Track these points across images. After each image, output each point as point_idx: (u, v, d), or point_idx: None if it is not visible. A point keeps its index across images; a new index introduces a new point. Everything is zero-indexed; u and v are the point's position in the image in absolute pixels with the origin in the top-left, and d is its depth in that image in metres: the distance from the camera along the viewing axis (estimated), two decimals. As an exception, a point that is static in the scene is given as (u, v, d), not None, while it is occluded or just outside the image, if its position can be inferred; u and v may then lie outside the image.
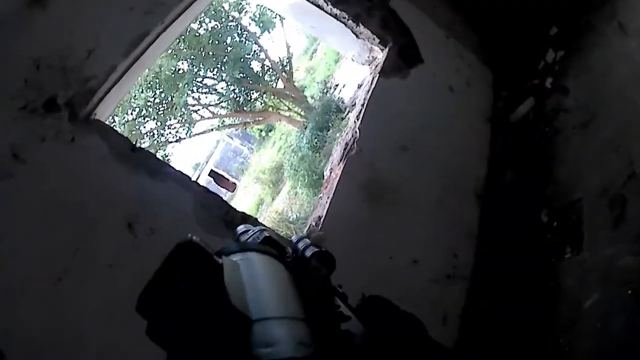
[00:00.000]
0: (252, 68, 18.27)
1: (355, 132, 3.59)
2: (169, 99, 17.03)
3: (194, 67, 17.46)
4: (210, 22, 16.73)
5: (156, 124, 17.76)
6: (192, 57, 16.86)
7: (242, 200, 26.95)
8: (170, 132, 18.64)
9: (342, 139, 3.87)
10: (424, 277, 3.30)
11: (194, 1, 3.46)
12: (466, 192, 3.80)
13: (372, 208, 3.39)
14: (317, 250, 1.28)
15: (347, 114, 12.88)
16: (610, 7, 3.50)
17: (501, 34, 4.56)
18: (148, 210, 2.80)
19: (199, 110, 19.15)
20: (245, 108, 18.92)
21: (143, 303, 0.91)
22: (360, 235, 3.22)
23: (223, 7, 16.74)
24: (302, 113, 18.08)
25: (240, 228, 1.52)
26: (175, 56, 16.35)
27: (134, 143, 2.99)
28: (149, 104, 16.95)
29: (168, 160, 19.23)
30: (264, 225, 3.21)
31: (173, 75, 16.42)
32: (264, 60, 18.56)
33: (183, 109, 17.74)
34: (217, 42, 16.90)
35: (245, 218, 3.03)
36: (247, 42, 17.75)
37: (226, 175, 31.73)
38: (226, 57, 17.29)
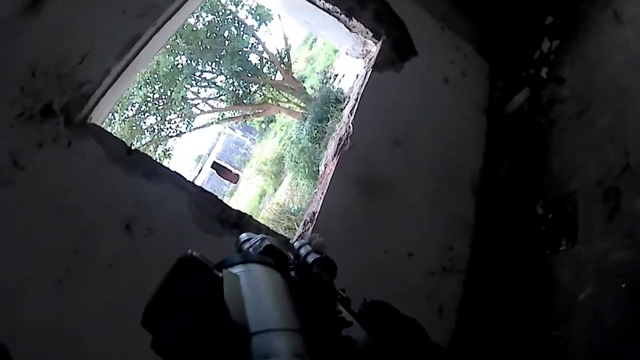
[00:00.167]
0: (250, 61, 18.26)
1: (349, 127, 3.60)
2: (168, 93, 17.04)
3: (192, 61, 17.45)
4: (207, 16, 16.67)
5: (156, 119, 17.81)
6: (190, 51, 16.83)
7: (244, 192, 27.03)
8: (170, 127, 18.68)
9: (336, 133, 3.88)
10: (420, 270, 3.32)
11: (185, 2, 3.46)
12: (462, 185, 3.80)
13: (366, 203, 3.40)
14: (318, 257, 1.30)
15: (346, 104, 12.84)
16: (606, -5, 3.45)
17: (497, 23, 4.54)
18: (145, 211, 2.84)
19: (198, 104, 19.17)
20: (244, 101, 18.93)
21: (148, 318, 0.94)
22: (354, 230, 3.24)
23: (219, 1, 16.68)
24: (302, 104, 18.05)
25: (243, 236, 1.53)
26: (172, 51, 16.34)
27: (130, 144, 3.03)
28: (148, 99, 16.96)
29: (170, 154, 19.31)
30: (259, 223, 3.25)
31: (171, 70, 16.40)
32: (262, 53, 18.52)
33: (182, 104, 17.77)
34: (214, 36, 16.88)
35: (240, 216, 3.06)
36: (244, 35, 17.71)
37: (229, 167, 31.76)
38: (224, 51, 17.27)
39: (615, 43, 3.21)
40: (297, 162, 13.99)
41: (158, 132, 18.24)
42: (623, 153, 2.71)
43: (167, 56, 16.05)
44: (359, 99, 3.79)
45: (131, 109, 17.06)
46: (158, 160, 16.08)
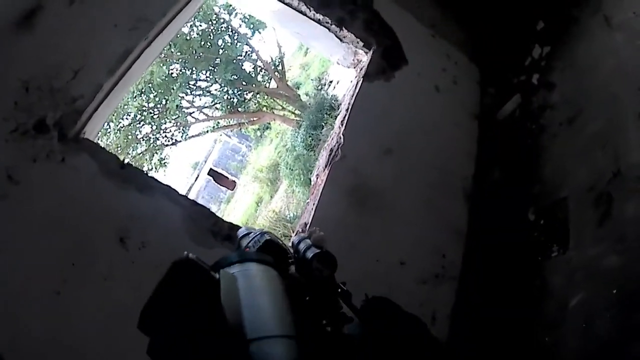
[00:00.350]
0: (244, 69, 18.22)
1: (340, 137, 3.62)
2: (163, 102, 17.03)
3: (187, 70, 17.44)
4: (200, 25, 16.68)
5: (151, 128, 17.78)
6: (184, 60, 16.83)
7: (241, 199, 26.98)
8: (166, 136, 18.65)
9: (328, 144, 3.89)
10: (412, 278, 3.34)
11: (176, 15, 3.48)
12: (454, 192, 3.82)
13: (358, 213, 3.42)
14: (318, 252, 1.31)
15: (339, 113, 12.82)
16: (596, 0, 3.47)
17: (488, 29, 4.57)
18: (138, 224, 2.86)
19: (193, 112, 19.15)
20: (239, 109, 18.91)
21: (144, 321, 0.95)
22: (346, 240, 3.24)
23: (213, 10, 16.69)
24: (296, 112, 18.05)
25: (242, 231, 1.53)
26: (167, 61, 16.33)
27: (123, 159, 3.04)
28: (143, 108, 16.95)
29: (166, 162, 19.27)
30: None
31: (166, 80, 16.40)
32: (256, 61, 18.53)
33: (177, 112, 17.74)
34: (208, 45, 16.86)
35: (232, 228, 3.07)
36: (238, 43, 17.69)
37: (225, 174, 31.72)
38: (218, 59, 17.25)
39: (605, 49, 3.23)
40: (292, 170, 13.99)
41: (154, 141, 18.20)
42: (614, 158, 2.73)
43: (161, 65, 16.03)
44: (349, 109, 3.81)
45: (126, 119, 17.00)
46: (152, 172, 16.12)
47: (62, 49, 3.04)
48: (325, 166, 3.61)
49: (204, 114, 19.40)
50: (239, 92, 18.66)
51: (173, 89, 16.65)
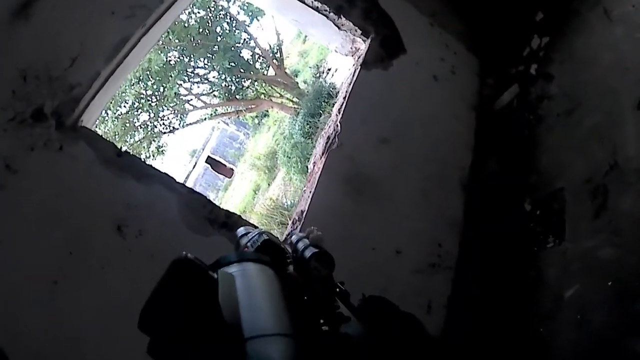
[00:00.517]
0: (242, 56, 18.16)
1: (337, 125, 3.62)
2: (161, 90, 16.96)
3: (185, 57, 17.37)
4: (199, 12, 16.58)
5: (149, 115, 17.73)
6: (182, 47, 16.75)
7: (239, 187, 26.98)
8: (163, 123, 18.61)
9: (325, 132, 3.89)
10: (408, 267, 3.35)
11: (174, 2, 3.46)
12: (451, 182, 3.83)
13: (354, 201, 3.43)
14: (316, 251, 1.32)
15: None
16: (596, -8, 3.44)
17: (487, 19, 4.54)
18: (135, 213, 2.87)
19: (191, 100, 19.10)
20: (237, 96, 18.85)
21: (144, 321, 0.96)
22: (342, 229, 3.24)
23: (211, -3, 16.60)
24: (294, 99, 18.01)
25: (240, 230, 1.55)
26: (164, 48, 16.25)
27: (120, 147, 3.04)
28: (141, 96, 16.89)
29: (163, 150, 19.24)
30: (248, 222, 3.26)
31: (164, 67, 16.33)
32: (254, 48, 18.45)
33: (175, 100, 17.70)
34: (206, 32, 16.78)
35: (229, 216, 3.09)
36: (236, 30, 17.60)
37: (223, 162, 31.68)
38: (216, 47, 17.17)
39: (604, 42, 3.23)
40: (289, 158, 13.98)
41: (151, 129, 18.16)
42: (611, 151, 2.73)
43: (159, 53, 15.96)
44: (347, 98, 3.80)
45: (124, 106, 16.98)
46: (149, 160, 16.07)
47: (59, 37, 3.03)
48: (322, 154, 3.61)
49: (201, 101, 19.35)
50: (237, 80, 18.62)
51: (171, 76, 16.59)
